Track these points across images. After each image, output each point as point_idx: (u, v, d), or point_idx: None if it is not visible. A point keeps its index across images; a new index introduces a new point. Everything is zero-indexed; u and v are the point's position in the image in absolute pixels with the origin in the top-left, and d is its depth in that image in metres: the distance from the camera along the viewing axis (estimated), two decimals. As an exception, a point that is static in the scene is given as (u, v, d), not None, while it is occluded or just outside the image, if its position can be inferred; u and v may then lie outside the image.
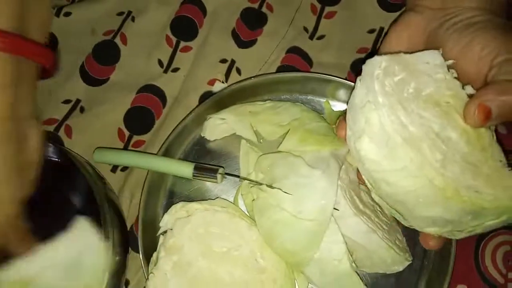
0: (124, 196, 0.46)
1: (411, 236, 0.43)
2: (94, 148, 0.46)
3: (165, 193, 0.46)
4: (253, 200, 0.41)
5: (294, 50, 0.52)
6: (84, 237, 0.43)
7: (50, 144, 0.43)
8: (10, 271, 0.41)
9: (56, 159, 0.46)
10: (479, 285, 0.43)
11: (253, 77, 0.49)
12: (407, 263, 0.40)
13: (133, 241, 0.44)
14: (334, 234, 0.38)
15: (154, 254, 0.40)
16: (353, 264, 0.38)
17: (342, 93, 0.48)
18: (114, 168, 0.48)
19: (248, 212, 0.43)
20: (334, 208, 0.38)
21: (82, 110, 0.50)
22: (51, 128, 0.49)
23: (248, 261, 0.40)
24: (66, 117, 0.50)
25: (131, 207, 0.46)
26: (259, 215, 0.41)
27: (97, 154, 0.45)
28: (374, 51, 0.51)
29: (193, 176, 0.42)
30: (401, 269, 0.40)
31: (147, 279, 0.38)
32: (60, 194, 0.45)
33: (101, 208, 0.38)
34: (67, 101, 0.50)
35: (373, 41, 0.52)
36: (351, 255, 0.38)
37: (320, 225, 0.38)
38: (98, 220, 0.43)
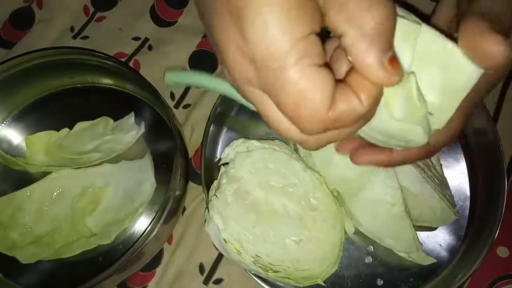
0: (185, 131, 0.48)
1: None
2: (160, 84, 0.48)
3: (226, 131, 0.48)
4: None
5: None
6: (147, 168, 0.46)
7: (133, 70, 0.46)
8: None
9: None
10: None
11: None
12: (454, 218, 0.42)
13: (190, 172, 0.47)
14: (390, 179, 0.40)
15: (215, 182, 0.42)
16: (407, 209, 0.39)
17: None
18: (177, 105, 0.50)
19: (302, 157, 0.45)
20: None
21: (150, 48, 0.52)
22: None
23: (302, 199, 0.42)
24: (135, 52, 0.52)
25: (191, 142, 0.48)
26: None
27: (169, 74, 0.46)
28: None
29: None
30: (447, 224, 0.42)
31: (210, 200, 0.40)
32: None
33: (175, 137, 0.40)
34: (136, 38, 0.53)
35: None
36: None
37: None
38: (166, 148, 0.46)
